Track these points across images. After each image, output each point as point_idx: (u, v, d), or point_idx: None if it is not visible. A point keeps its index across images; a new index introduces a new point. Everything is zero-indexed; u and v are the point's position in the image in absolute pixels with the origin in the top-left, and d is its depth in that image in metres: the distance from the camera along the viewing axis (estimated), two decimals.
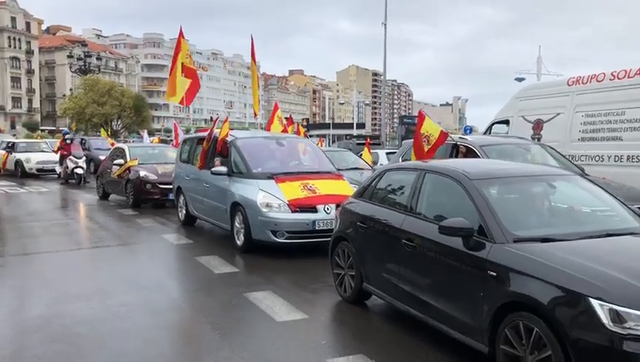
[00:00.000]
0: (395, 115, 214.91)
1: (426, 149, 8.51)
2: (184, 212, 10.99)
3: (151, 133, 48.35)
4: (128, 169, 14.22)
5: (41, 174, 22.21)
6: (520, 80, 31.32)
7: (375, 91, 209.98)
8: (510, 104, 13.63)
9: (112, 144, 18.81)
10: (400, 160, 10.32)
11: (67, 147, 19.41)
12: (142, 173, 13.72)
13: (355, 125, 53.86)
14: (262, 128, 21.40)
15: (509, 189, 4.73)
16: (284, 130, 11.62)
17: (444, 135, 8.32)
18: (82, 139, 24.48)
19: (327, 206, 8.11)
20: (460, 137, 8.80)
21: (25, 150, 22.76)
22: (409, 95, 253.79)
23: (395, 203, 5.35)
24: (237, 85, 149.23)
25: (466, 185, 4.50)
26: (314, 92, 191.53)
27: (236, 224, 8.63)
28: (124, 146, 15.60)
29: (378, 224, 5.38)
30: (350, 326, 5.47)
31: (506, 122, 13.54)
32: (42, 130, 71.60)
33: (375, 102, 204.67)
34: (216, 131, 10.03)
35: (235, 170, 9.01)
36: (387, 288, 5.18)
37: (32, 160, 21.88)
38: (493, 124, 14.92)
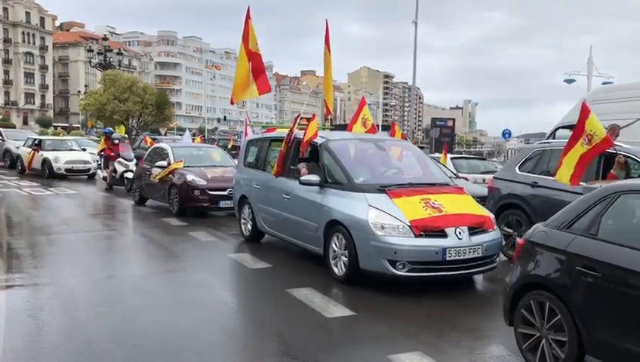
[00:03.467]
0: (406, 118, 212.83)
1: (583, 149, 6.74)
2: (249, 226, 9.30)
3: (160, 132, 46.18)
4: (172, 172, 12.58)
5: (71, 175, 20.23)
6: (569, 81, 29.49)
7: (386, 93, 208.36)
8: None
9: (151, 143, 17.09)
10: (517, 169, 8.59)
11: (115, 148, 16.96)
12: (189, 178, 12.06)
13: (381, 127, 51.82)
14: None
15: None
16: (370, 131, 9.85)
17: (607, 141, 6.57)
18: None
19: (458, 229, 6.39)
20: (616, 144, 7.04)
21: (53, 148, 20.71)
22: (420, 98, 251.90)
23: None
24: None
25: None
26: None
27: (334, 247, 6.92)
28: (167, 146, 13.92)
29: (630, 275, 3.65)
30: None
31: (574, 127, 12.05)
32: (55, 127, 70.35)
33: (386, 104, 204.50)
34: (296, 132, 8.34)
35: (330, 179, 7.29)
36: None
37: (61, 159, 19.81)
38: (557, 129, 13.34)
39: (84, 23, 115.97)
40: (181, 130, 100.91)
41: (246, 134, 15.92)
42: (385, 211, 6.45)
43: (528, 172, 8.37)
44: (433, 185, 7.23)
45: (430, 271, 6.31)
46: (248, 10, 11.06)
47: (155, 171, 13.13)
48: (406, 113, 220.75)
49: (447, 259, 6.25)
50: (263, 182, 8.83)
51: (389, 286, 6.46)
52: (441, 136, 37.66)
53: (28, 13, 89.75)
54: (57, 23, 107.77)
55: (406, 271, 6.24)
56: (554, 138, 12.79)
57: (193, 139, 19.84)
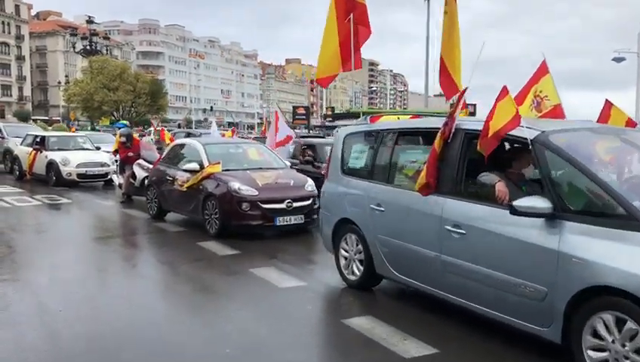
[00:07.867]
0: (390, 106, 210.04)
1: None
2: (356, 267, 6.01)
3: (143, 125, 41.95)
4: (206, 177, 9.22)
5: (84, 181, 15.63)
6: (619, 60, 26.46)
7: (372, 81, 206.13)
8: None
9: (171, 139, 13.55)
10: None
11: (134, 146, 12.89)
12: (234, 185, 8.73)
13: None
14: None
15: None
16: (551, 116, 6.39)
17: None
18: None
19: None
20: None
21: (59, 147, 16.20)
22: (405, 85, 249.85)
23: None
24: (234, 74, 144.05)
25: None
26: (311, 81, 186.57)
27: (603, 334, 3.64)
28: (196, 143, 10.45)
29: None
30: None
31: None
32: (35, 120, 66.01)
33: (373, 91, 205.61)
34: (461, 120, 5.02)
35: (573, 206, 3.98)
36: None
37: (72, 161, 15.34)
38: None
39: (61, 12, 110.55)
40: (165, 121, 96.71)
41: (277, 130, 12.61)
42: None
43: None
44: None
45: None
46: None
47: (182, 176, 9.73)
48: (390, 101, 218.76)
49: None
50: (392, 201, 5.48)
51: None
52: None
53: (1, 1, 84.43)
54: (33, 12, 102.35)
55: None
56: None
57: (223, 134, 15.91)
